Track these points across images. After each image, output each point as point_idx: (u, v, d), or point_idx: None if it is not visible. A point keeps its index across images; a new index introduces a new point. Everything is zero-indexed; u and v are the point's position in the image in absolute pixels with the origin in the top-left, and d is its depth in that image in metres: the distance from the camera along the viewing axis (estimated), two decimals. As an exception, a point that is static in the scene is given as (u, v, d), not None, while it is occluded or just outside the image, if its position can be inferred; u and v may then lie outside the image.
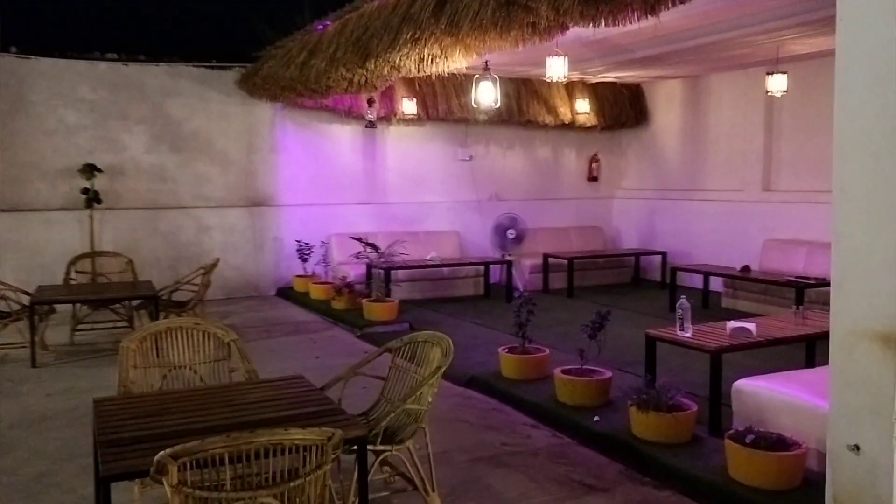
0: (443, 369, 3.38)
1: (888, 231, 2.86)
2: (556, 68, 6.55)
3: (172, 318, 6.10)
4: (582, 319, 8.31)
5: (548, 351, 5.81)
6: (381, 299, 7.96)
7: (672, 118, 11.62)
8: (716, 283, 9.36)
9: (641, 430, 4.31)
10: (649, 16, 4.00)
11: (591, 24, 4.23)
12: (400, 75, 6.49)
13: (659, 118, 11.85)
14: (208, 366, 4.01)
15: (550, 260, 10.65)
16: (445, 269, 9.95)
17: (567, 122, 11.30)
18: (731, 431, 3.83)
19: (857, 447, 2.97)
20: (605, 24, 4.18)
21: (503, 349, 5.91)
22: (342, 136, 10.54)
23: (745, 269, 8.68)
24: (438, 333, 3.69)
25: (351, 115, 10.16)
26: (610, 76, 10.79)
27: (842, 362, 3.04)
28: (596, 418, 4.68)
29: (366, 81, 6.70)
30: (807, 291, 7.80)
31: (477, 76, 6.09)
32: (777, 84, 8.16)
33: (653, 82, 11.57)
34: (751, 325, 4.88)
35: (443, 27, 4.97)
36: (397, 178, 10.90)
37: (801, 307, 5.75)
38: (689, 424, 4.26)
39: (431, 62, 5.69)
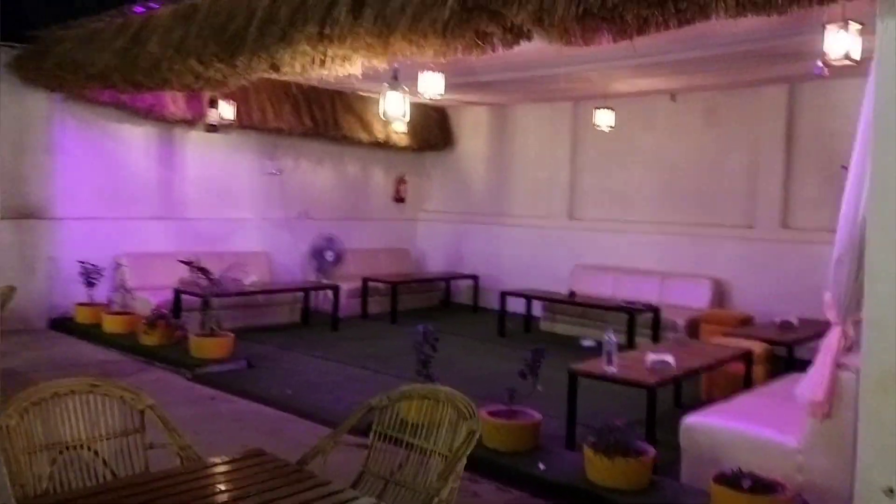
0: (476, 436, 2.79)
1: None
2: (431, 85, 6.14)
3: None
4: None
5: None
6: (214, 333, 6.83)
7: (478, 144, 11.79)
8: (525, 306, 9.49)
9: (600, 476, 4.06)
10: (636, 35, 3.79)
11: (558, 41, 3.93)
12: (272, 75, 5.62)
13: (465, 143, 11.96)
14: (114, 443, 2.96)
15: (369, 284, 10.15)
16: (261, 295, 8.96)
17: (382, 141, 10.91)
18: (718, 474, 3.73)
19: (892, 490, 2.97)
20: (581, 44, 3.90)
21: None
22: (136, 140, 9.02)
23: (572, 294, 8.98)
24: (439, 387, 3.09)
25: (150, 115, 8.72)
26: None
27: (876, 404, 3.04)
28: (542, 466, 4.34)
29: (222, 78, 5.69)
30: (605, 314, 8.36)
31: (386, 85, 5.46)
32: (604, 119, 8.60)
33: (459, 107, 11.64)
34: (669, 357, 4.91)
35: (366, 25, 4.33)
36: (200, 191, 9.61)
37: (678, 337, 5.97)
38: (648, 468, 4.09)
39: (325, 64, 4.97)
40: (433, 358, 5.15)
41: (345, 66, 5.01)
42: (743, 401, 4.51)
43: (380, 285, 10.27)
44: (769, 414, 4.25)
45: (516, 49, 4.34)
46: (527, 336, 9.22)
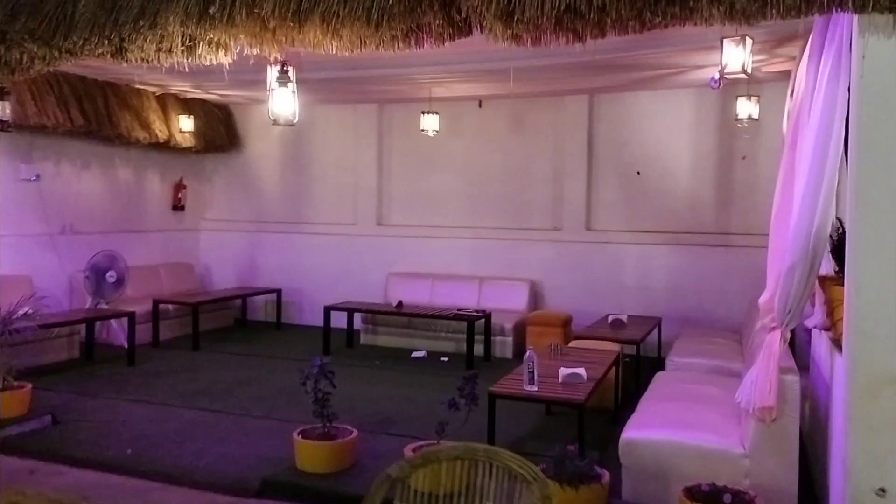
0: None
1: (884, 277, 3.06)
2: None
3: None
4: (267, 378, 7.16)
5: (355, 431, 4.67)
6: (9, 386, 5.30)
7: (270, 145, 10.88)
8: (347, 320, 8.98)
9: (560, 508, 3.79)
10: (588, 40, 3.54)
11: (514, 39, 3.56)
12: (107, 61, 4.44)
13: (254, 144, 10.97)
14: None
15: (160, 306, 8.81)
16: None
17: (164, 141, 9.54)
18: (690, 488, 3.65)
19: (882, 490, 3.10)
20: (535, 44, 3.56)
21: (299, 435, 4.54)
22: None
23: (399, 304, 8.62)
24: (474, 444, 2.58)
25: None
26: (199, 92, 9.53)
27: (865, 408, 3.14)
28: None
29: (27, 64, 4.38)
30: (436, 322, 8.33)
31: (272, 80, 4.51)
32: (430, 123, 8.38)
33: (248, 105, 10.65)
34: (580, 370, 4.80)
35: (274, 8, 3.60)
36: (-69, 203, 7.56)
37: (556, 345, 5.93)
38: (607, 491, 3.92)
39: (193, 51, 4.05)
40: (331, 395, 4.49)
41: (217, 54, 4.12)
42: (662, 409, 4.54)
43: (170, 307, 8.99)
44: (700, 420, 4.32)
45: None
46: (352, 351, 8.69)
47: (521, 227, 9.49)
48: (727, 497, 3.52)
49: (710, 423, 4.28)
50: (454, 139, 9.63)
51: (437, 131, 8.59)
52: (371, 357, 8.28)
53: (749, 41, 4.50)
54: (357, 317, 9.07)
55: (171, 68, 4.20)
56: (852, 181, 3.22)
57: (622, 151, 9.03)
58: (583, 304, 8.85)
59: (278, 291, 10.24)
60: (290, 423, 5.12)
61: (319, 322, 8.93)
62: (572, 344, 6.40)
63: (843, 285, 3.62)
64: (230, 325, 10.12)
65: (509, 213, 9.58)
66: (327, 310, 8.63)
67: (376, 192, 10.25)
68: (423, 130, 8.54)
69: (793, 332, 5.33)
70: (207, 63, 4.18)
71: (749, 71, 4.56)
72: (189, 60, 4.19)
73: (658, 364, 6.73)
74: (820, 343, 4.62)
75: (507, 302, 9.00)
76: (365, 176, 10.27)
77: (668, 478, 3.97)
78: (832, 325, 3.84)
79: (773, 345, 3.84)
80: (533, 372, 4.56)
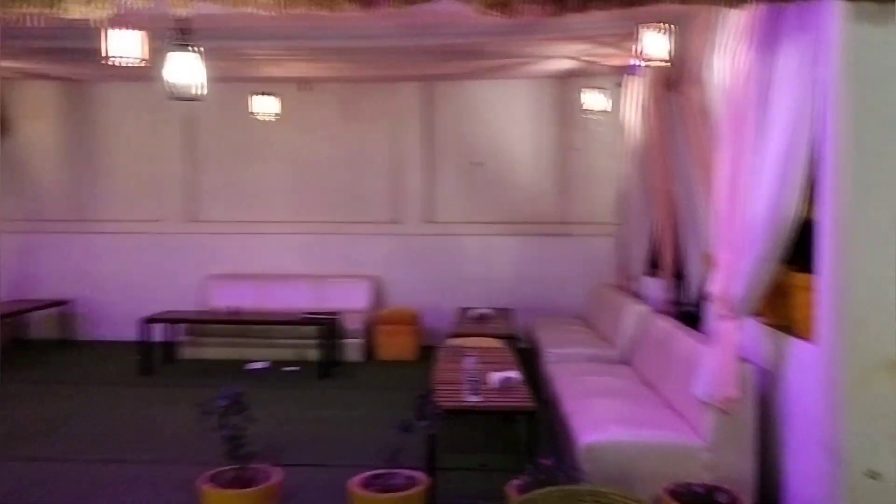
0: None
1: (880, 271, 3.17)
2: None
3: None
4: (93, 410, 5.93)
5: (277, 473, 3.86)
6: None
7: (44, 130, 9.12)
8: (164, 332, 7.81)
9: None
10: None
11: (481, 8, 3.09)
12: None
13: (26, 129, 9.11)
14: None
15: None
16: None
17: None
18: (673, 488, 3.47)
19: (876, 474, 3.19)
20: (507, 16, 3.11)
21: (207, 482, 3.63)
22: None
23: (233, 310, 7.63)
24: (584, 487, 2.13)
25: None
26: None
27: (858, 396, 3.22)
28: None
29: None
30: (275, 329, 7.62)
31: (169, 43, 3.38)
32: (265, 106, 7.48)
33: (13, 81, 8.79)
34: (512, 373, 4.45)
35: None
36: None
37: (455, 347, 5.52)
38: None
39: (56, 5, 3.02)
40: (245, 432, 3.71)
41: (90, 8, 3.11)
42: (601, 407, 4.36)
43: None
44: (648, 416, 4.21)
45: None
46: (176, 368, 7.55)
47: (358, 221, 8.93)
48: (722, 496, 3.42)
49: (659, 419, 4.20)
50: (278, 125, 8.73)
51: (278, 115, 7.69)
52: (195, 373, 7.24)
53: (673, 28, 4.47)
54: (173, 328, 7.89)
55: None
56: (842, 171, 3.23)
57: (462, 141, 8.85)
58: (428, 298, 8.55)
59: (65, 303, 8.62)
60: (157, 464, 4.18)
61: (122, 336, 7.76)
62: (456, 342, 6.05)
63: (800, 274, 3.70)
64: (5, 347, 8.31)
65: (344, 205, 8.96)
66: (145, 322, 7.37)
67: (185, 183, 9.02)
68: (252, 114, 7.60)
69: (692, 316, 5.50)
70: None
71: (671, 58, 4.53)
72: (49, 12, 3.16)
73: (529, 355, 6.63)
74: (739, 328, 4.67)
75: (348, 301, 8.40)
76: (170, 166, 8.99)
77: (630, 479, 3.77)
78: (781, 313, 3.90)
79: (728, 334, 3.81)
80: (477, 381, 4.14)
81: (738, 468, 3.83)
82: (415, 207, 8.89)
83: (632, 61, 4.80)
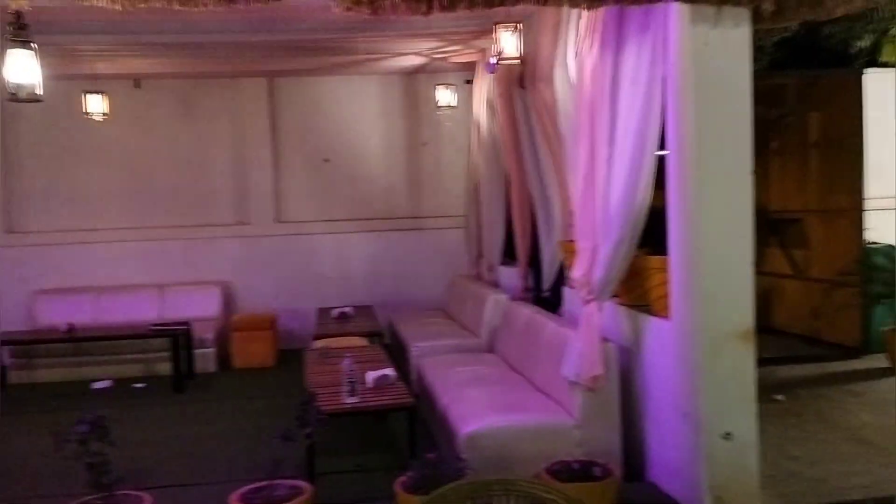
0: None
1: (741, 249, 3.52)
2: None
3: None
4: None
5: (147, 498, 3.56)
6: None
7: None
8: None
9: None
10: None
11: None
12: None
13: None
14: None
15: None
16: None
17: None
18: (552, 467, 3.61)
19: (730, 435, 3.53)
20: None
21: None
22: None
23: (70, 327, 6.99)
24: (492, 479, 2.16)
25: None
26: None
27: (711, 363, 3.56)
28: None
29: None
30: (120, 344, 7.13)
31: (7, 38, 2.87)
32: (96, 105, 6.92)
33: None
34: (388, 371, 4.43)
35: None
36: None
37: (323, 349, 5.41)
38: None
39: None
40: (108, 459, 3.44)
41: None
42: (473, 396, 4.46)
43: None
44: (518, 400, 4.36)
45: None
46: (5, 395, 6.81)
47: (202, 224, 8.50)
48: (597, 470, 3.61)
49: (531, 402, 4.36)
50: (112, 125, 8.06)
51: (106, 115, 7.12)
52: (29, 400, 6.60)
53: (520, 27, 4.63)
54: None
55: None
56: (687, 161, 3.52)
57: (310, 138, 8.67)
58: (283, 301, 8.33)
59: None
60: None
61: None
62: (322, 344, 5.94)
63: (654, 256, 3.99)
64: None
65: (185, 208, 8.49)
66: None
67: (3, 191, 8.16)
68: (87, 114, 7.01)
69: (551, 301, 5.75)
70: None
71: (521, 56, 4.70)
72: None
73: (393, 351, 6.65)
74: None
75: (198, 309, 7.98)
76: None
77: (510, 462, 3.90)
78: (637, 294, 4.18)
79: (592, 316, 4.03)
80: (354, 382, 4.08)
81: (607, 441, 4.07)
82: (263, 207, 8.60)
83: (489, 59, 4.94)
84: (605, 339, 4.05)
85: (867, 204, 6.57)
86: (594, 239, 4.00)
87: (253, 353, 7.63)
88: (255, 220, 8.59)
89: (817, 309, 6.86)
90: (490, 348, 6.07)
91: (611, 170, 3.87)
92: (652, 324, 4.01)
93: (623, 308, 4.33)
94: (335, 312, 7.31)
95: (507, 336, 5.62)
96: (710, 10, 3.36)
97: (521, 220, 6.41)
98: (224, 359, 7.65)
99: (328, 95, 8.66)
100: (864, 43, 9.04)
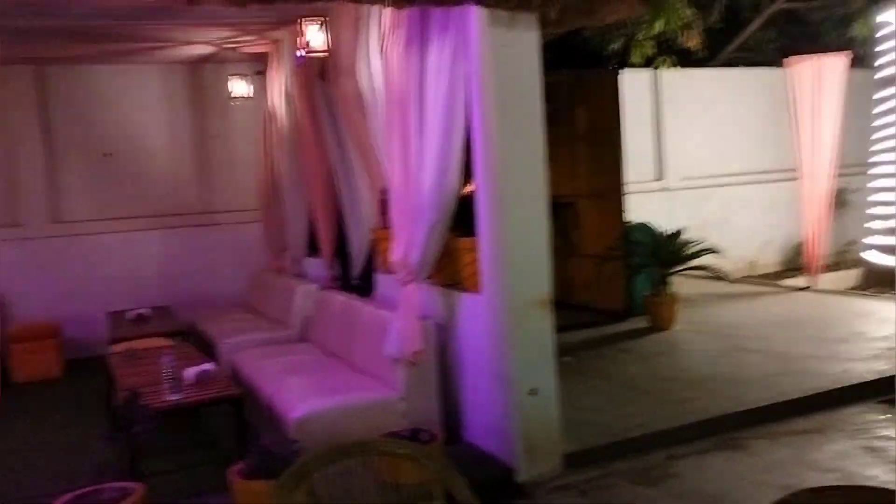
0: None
1: (539, 228, 4.01)
2: None
3: None
4: None
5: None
6: None
7: None
8: None
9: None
10: None
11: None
12: None
13: None
14: None
15: None
16: None
17: None
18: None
19: (535, 391, 4.03)
20: None
21: None
22: None
23: None
24: (348, 442, 2.33)
25: None
26: None
27: (517, 330, 4.05)
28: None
29: None
30: None
31: None
32: None
33: None
34: (208, 366, 4.36)
35: None
36: None
37: (129, 351, 5.13)
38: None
39: None
40: None
41: None
42: (297, 383, 4.54)
43: None
44: (341, 382, 4.54)
45: None
46: None
47: (-39, 228, 7.60)
48: (424, 436, 3.90)
49: (354, 382, 4.56)
50: None
51: None
52: None
53: (327, 20, 4.76)
54: None
55: None
56: (491, 150, 3.91)
57: (89, 131, 8.07)
58: (67, 307, 7.70)
59: None
60: None
61: None
62: (121, 347, 5.64)
63: (464, 238, 4.36)
64: None
65: (-61, 211, 7.54)
66: None
67: None
68: None
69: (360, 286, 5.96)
70: None
71: (329, 48, 4.83)
72: None
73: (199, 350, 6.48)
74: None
75: (-38, 323, 7.16)
76: None
77: (341, 440, 4.08)
78: (449, 273, 4.53)
79: (411, 296, 4.33)
80: (174, 378, 3.99)
81: (429, 410, 4.40)
82: (36, 207, 7.88)
83: (298, 52, 5.02)
84: (423, 317, 4.36)
85: (627, 188, 7.57)
86: (410, 224, 4.29)
87: (35, 364, 7.02)
88: (27, 222, 7.84)
89: (590, 281, 7.77)
90: (303, 338, 6.16)
91: (422, 159, 4.17)
92: (464, 299, 4.39)
93: (437, 287, 4.67)
94: (131, 315, 6.94)
95: (323, 324, 5.76)
96: (504, 14, 3.77)
97: (324, 211, 6.54)
98: (3, 373, 6.94)
99: (108, 85, 8.12)
100: (616, 46, 10.37)
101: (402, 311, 4.34)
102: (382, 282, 5.45)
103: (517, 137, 3.90)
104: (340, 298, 5.57)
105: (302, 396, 4.29)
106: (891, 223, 8.43)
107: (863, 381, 5.23)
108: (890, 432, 4.58)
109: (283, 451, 3.57)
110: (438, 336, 4.49)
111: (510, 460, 4.04)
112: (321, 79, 6.03)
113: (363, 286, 6.05)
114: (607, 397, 5.26)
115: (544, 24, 3.89)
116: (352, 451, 2.35)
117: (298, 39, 4.89)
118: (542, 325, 4.02)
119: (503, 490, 3.92)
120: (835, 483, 3.82)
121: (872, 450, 4.36)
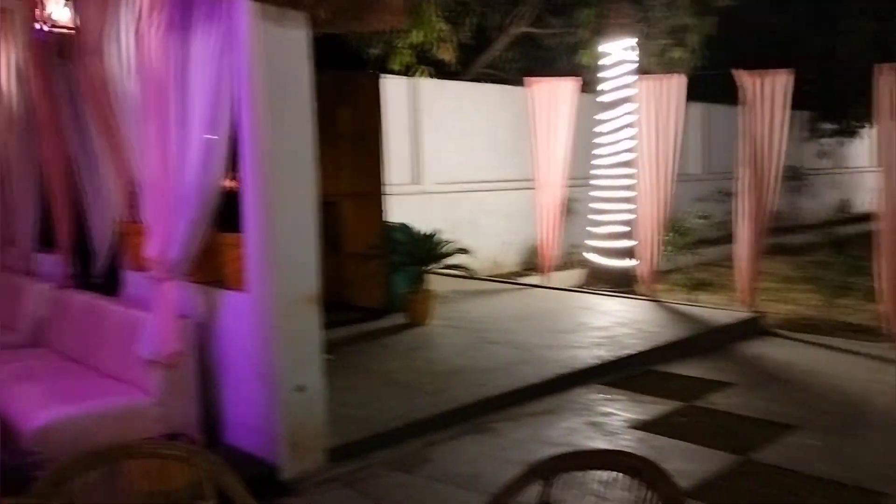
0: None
1: (308, 225, 4.09)
2: None
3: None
4: None
5: None
6: None
7: None
8: None
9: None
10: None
11: None
12: None
13: None
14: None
15: None
16: None
17: None
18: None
19: (302, 387, 4.10)
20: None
21: None
22: None
23: None
24: (104, 446, 2.19)
25: None
26: None
27: (285, 326, 4.10)
28: None
29: None
30: None
31: None
32: None
33: None
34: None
35: None
36: None
37: None
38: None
39: None
40: None
41: None
42: (33, 391, 4.09)
43: None
44: (89, 388, 4.17)
45: None
46: None
47: None
48: (182, 440, 3.74)
49: (100, 388, 4.22)
50: None
51: None
52: None
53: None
54: None
55: None
56: (260, 145, 3.87)
57: None
58: None
59: None
60: None
61: None
62: None
63: (229, 234, 4.24)
64: None
65: None
66: None
67: None
68: None
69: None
70: None
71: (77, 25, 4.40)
72: None
73: None
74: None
75: None
76: None
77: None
78: (211, 271, 4.37)
79: (167, 294, 4.11)
80: None
81: (186, 414, 4.22)
82: None
83: (37, 25, 4.48)
84: (181, 316, 4.17)
85: (387, 190, 7.84)
86: (168, 219, 4.08)
87: None
88: None
89: (351, 279, 7.93)
90: (35, 343, 5.53)
91: (184, 152, 4.00)
92: (228, 297, 4.27)
93: (197, 285, 4.48)
94: None
95: (60, 326, 5.23)
96: (274, 10, 3.76)
97: (61, 202, 5.94)
98: None
99: None
100: (376, 51, 10.69)
101: (157, 310, 4.11)
102: (131, 279, 5.10)
103: (287, 134, 3.91)
104: (82, 298, 5.11)
105: (42, 404, 3.89)
106: (605, 229, 9.68)
107: (587, 366, 5.97)
108: (609, 409, 5.29)
109: (21, 465, 3.24)
110: (198, 336, 4.33)
111: (274, 458, 4.02)
112: (61, 57, 5.47)
113: (106, 284, 5.58)
114: (368, 392, 5.42)
115: (315, 23, 3.94)
116: (115, 455, 2.21)
117: (37, 12, 4.40)
118: (310, 321, 4.06)
119: (267, 489, 3.89)
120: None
121: (596, 425, 5.01)
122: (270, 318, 3.94)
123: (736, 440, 4.69)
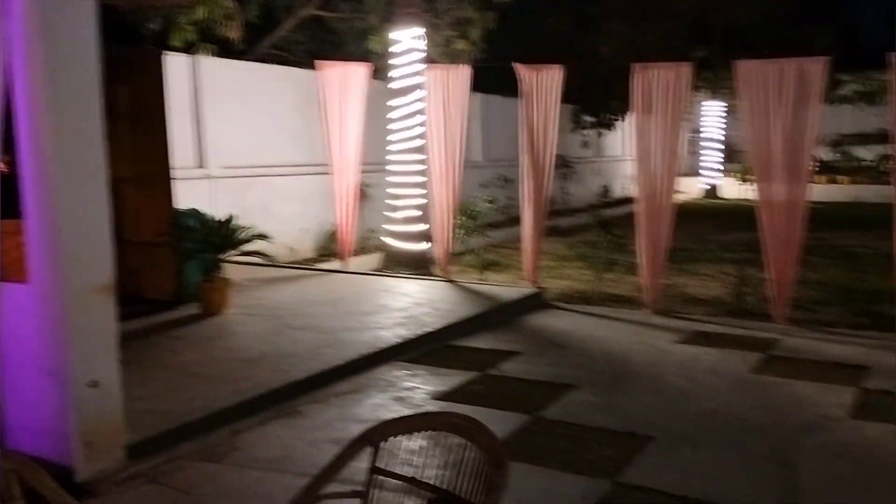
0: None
1: (98, 209, 3.86)
2: None
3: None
4: None
5: None
6: None
7: None
8: None
9: None
10: None
11: None
12: None
13: None
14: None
15: None
16: None
17: None
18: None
19: (96, 383, 3.88)
20: None
21: None
22: None
23: None
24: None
25: None
26: None
27: (77, 319, 3.86)
28: None
29: None
30: None
31: None
32: None
33: None
34: None
35: None
36: None
37: None
38: None
39: None
40: None
41: None
42: None
43: None
44: None
45: None
46: None
47: None
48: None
49: None
50: None
51: None
52: None
53: None
54: None
55: None
56: (42, 123, 3.55)
57: None
58: None
59: None
60: None
61: None
62: None
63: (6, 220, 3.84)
64: None
65: None
66: None
67: None
68: None
69: None
70: None
71: None
72: None
73: None
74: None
75: None
76: None
77: None
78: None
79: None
80: None
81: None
82: None
83: None
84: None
85: (175, 173, 7.44)
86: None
87: None
88: None
89: (137, 269, 7.43)
90: None
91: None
92: (5, 289, 3.86)
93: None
94: None
95: None
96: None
97: None
98: None
99: None
100: (155, 26, 10.03)
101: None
102: None
103: (71, 110, 3.62)
104: None
105: None
106: (401, 214, 9.97)
107: (389, 345, 6.18)
108: (412, 384, 5.54)
109: None
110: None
111: (67, 461, 3.74)
112: None
113: None
114: (164, 384, 5.19)
115: (103, -6, 3.68)
116: None
117: None
118: (104, 313, 3.82)
119: (61, 493, 3.62)
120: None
121: (401, 399, 5.23)
122: (59, 311, 3.65)
123: (526, 402, 5.15)
